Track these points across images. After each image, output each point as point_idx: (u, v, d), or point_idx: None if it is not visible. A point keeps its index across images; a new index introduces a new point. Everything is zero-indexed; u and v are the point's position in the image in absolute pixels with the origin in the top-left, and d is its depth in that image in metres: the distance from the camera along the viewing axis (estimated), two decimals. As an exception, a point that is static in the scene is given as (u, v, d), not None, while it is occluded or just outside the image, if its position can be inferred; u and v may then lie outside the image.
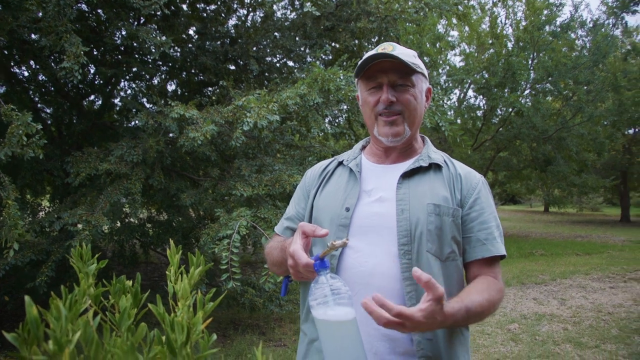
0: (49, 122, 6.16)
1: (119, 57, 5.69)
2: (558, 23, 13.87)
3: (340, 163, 1.51)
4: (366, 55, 1.35)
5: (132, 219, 6.01)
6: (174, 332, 0.65)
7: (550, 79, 14.21)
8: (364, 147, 1.55)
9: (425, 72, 1.41)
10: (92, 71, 5.93)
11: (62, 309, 0.58)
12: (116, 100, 6.83)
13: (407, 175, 1.36)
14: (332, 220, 1.35)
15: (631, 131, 23.08)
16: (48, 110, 6.33)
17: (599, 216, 29.66)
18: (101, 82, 6.14)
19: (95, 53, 5.55)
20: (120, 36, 5.29)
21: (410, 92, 1.35)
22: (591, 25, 14.32)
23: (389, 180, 1.37)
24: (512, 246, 12.61)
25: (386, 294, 1.08)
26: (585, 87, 14.22)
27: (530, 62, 14.67)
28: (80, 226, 3.77)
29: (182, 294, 0.76)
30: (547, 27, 13.87)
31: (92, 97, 6.87)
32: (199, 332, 0.69)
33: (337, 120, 6.27)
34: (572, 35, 14.57)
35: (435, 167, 1.39)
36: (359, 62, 1.37)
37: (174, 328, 0.66)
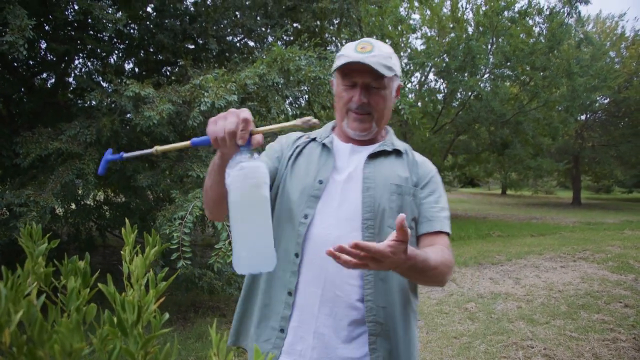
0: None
1: (72, 33, 5.43)
2: (516, 9, 14.12)
3: (313, 139, 1.55)
4: (343, 55, 1.40)
5: (87, 201, 5.83)
6: (125, 312, 0.64)
7: (508, 63, 14.49)
8: (333, 128, 1.60)
9: (399, 71, 1.45)
10: (43, 47, 5.64)
11: (2, 288, 0.56)
12: (70, 79, 6.54)
13: (373, 156, 1.46)
14: (303, 191, 1.40)
15: (583, 117, 23.92)
16: (-6, 87, 5.98)
17: (552, 199, 30.77)
18: (54, 59, 5.86)
19: (46, 28, 5.30)
20: (72, 11, 5.05)
21: (381, 94, 1.42)
22: (547, 12, 14.64)
23: (356, 159, 1.46)
24: (470, 227, 12.92)
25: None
26: (541, 73, 14.57)
27: (489, 47, 14.91)
28: (26, 208, 3.60)
29: (137, 274, 0.75)
30: (506, 13, 14.10)
31: (44, 74, 6.53)
32: (151, 311, 0.67)
33: (297, 102, 6.21)
34: (530, 22, 14.86)
35: (396, 152, 1.50)
36: (336, 60, 1.42)
37: (124, 308, 0.64)
